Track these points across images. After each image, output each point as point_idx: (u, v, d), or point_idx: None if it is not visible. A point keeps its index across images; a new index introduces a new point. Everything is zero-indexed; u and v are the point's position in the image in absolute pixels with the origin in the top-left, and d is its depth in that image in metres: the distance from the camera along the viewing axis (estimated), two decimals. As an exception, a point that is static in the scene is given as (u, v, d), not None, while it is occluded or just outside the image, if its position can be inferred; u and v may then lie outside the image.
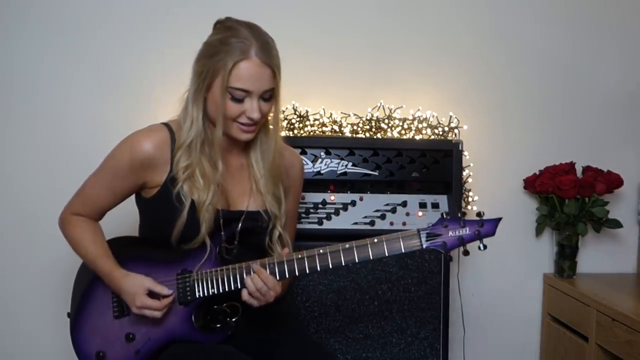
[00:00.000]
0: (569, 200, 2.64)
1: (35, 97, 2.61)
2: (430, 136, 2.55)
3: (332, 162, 2.39)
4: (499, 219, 1.73)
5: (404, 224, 2.36)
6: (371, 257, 1.71)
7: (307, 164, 2.35)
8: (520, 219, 2.80)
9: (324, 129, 2.53)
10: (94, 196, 1.83)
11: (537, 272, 2.83)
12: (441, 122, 2.57)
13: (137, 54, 2.63)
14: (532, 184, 2.72)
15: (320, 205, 2.38)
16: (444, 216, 1.73)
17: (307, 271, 1.73)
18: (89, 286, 1.83)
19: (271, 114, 1.79)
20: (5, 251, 2.65)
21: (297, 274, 1.74)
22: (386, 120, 2.55)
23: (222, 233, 1.77)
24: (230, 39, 1.67)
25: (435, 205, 2.41)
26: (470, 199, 2.62)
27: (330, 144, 2.41)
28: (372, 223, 2.36)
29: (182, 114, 1.79)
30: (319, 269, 1.72)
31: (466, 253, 1.74)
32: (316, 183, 2.38)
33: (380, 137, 2.54)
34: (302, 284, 2.35)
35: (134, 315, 1.76)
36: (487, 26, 2.76)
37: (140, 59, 2.64)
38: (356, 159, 2.40)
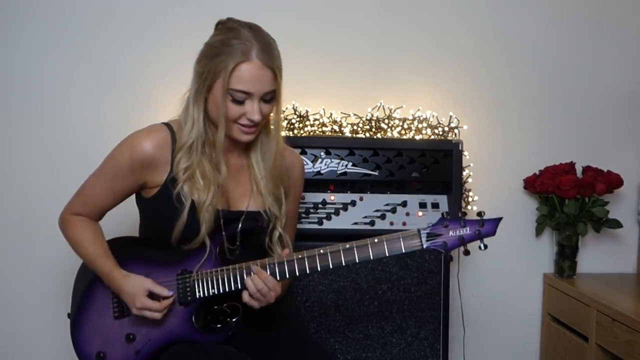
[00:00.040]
0: (569, 200, 2.64)
1: (35, 97, 2.61)
2: (430, 136, 2.54)
3: (332, 162, 2.39)
4: (500, 219, 1.74)
5: (404, 224, 2.36)
6: (371, 257, 1.71)
7: (307, 164, 2.35)
8: (520, 219, 2.80)
9: (324, 129, 2.53)
10: (94, 196, 1.83)
11: (537, 272, 2.83)
12: (441, 122, 2.57)
13: (137, 54, 2.63)
14: (532, 184, 2.72)
15: (320, 205, 2.38)
16: (445, 216, 1.73)
17: (308, 271, 1.73)
18: (89, 286, 1.83)
19: (272, 115, 1.79)
20: (5, 251, 2.64)
21: (297, 274, 1.74)
22: (386, 120, 2.55)
23: (223, 233, 1.77)
24: (232, 40, 1.67)
25: (435, 205, 2.41)
26: (470, 199, 2.62)
27: (330, 144, 2.41)
28: (372, 223, 2.36)
29: (183, 114, 1.79)
30: (319, 269, 1.72)
31: (467, 253, 1.74)
32: (316, 183, 2.38)
33: (380, 137, 2.53)
34: (302, 284, 2.35)
35: (134, 315, 1.76)
36: (487, 26, 2.76)
37: (140, 59, 2.64)
38: (356, 159, 2.40)
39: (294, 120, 2.52)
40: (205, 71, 1.69)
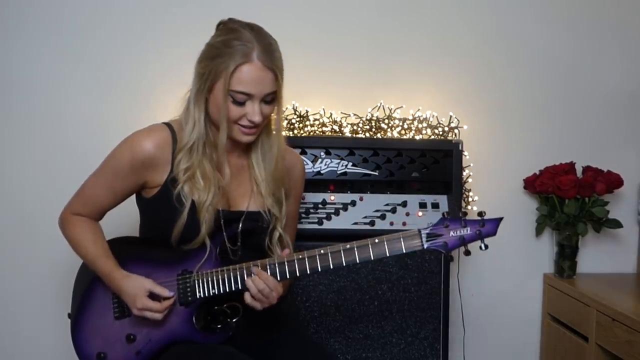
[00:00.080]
0: (569, 200, 2.64)
1: (35, 97, 2.61)
2: (430, 136, 2.54)
3: (332, 162, 2.39)
4: (500, 219, 1.73)
5: (404, 224, 2.36)
6: (372, 258, 1.71)
7: (307, 164, 2.34)
8: (520, 219, 2.80)
9: (324, 129, 2.53)
10: (94, 196, 1.82)
11: (537, 272, 2.83)
12: (441, 122, 2.57)
13: (136, 54, 2.63)
14: (532, 184, 2.72)
15: (320, 205, 2.38)
16: (445, 216, 1.73)
17: (308, 272, 1.73)
18: (89, 286, 1.82)
19: (274, 115, 1.79)
20: (4, 251, 2.64)
21: (297, 274, 1.74)
22: (386, 120, 2.55)
23: (224, 233, 1.77)
24: (233, 41, 1.67)
25: (435, 205, 2.41)
26: (470, 199, 2.62)
27: (330, 144, 2.41)
28: (372, 223, 2.36)
29: (183, 115, 1.78)
30: (319, 269, 1.72)
31: (467, 253, 1.74)
32: (316, 183, 2.38)
33: (380, 137, 2.53)
34: (302, 284, 2.35)
35: (135, 316, 1.76)
36: (487, 26, 2.76)
37: (139, 59, 2.63)
38: (356, 159, 2.40)
39: (294, 120, 2.52)
40: (206, 72, 1.69)
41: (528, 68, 2.78)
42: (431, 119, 2.56)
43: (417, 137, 2.53)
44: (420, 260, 2.38)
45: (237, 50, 1.65)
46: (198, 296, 1.75)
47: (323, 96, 2.62)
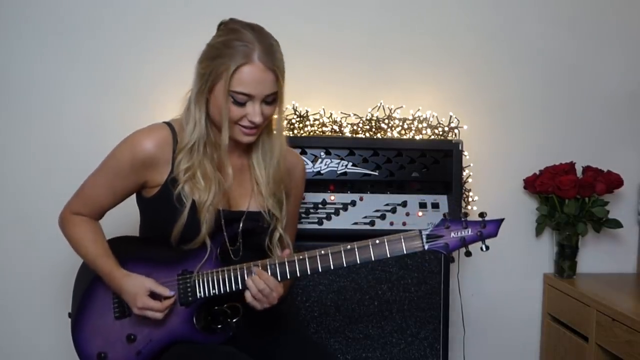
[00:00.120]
0: (569, 200, 2.64)
1: (32, 98, 2.60)
2: (430, 136, 2.54)
3: (332, 162, 2.39)
4: (502, 220, 1.74)
5: (404, 224, 2.36)
6: (373, 259, 1.71)
7: (307, 164, 2.34)
8: (520, 219, 2.80)
9: (324, 129, 2.53)
10: (94, 196, 1.82)
11: (537, 272, 2.83)
12: (441, 122, 2.57)
13: (134, 54, 2.62)
14: (532, 184, 2.72)
15: (320, 205, 2.38)
16: (446, 217, 1.73)
17: (309, 272, 1.73)
18: (89, 286, 1.82)
19: (276, 116, 1.79)
20: (2, 251, 2.63)
21: (298, 274, 1.74)
22: (386, 120, 2.55)
23: (225, 233, 1.77)
24: (234, 42, 1.66)
25: (435, 205, 2.41)
26: (470, 199, 2.62)
27: (330, 144, 2.40)
28: (372, 223, 2.36)
29: (184, 115, 1.78)
30: (320, 269, 1.72)
31: (468, 254, 1.74)
32: (316, 183, 2.38)
33: (380, 137, 2.53)
34: (302, 284, 2.35)
35: (135, 316, 1.76)
36: (488, 26, 2.75)
37: (136, 59, 2.63)
38: (356, 159, 2.40)
39: (294, 120, 2.52)
40: (207, 72, 1.69)
41: (529, 68, 2.78)
42: (431, 119, 2.56)
43: (417, 137, 2.53)
44: (420, 260, 2.38)
45: (238, 51, 1.65)
46: (198, 296, 1.75)
47: (323, 96, 2.62)
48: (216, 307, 1.79)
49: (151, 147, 1.74)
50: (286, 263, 1.73)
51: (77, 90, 2.62)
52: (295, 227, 2.06)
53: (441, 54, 2.73)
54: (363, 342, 2.38)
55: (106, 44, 2.62)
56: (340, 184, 2.42)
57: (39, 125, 2.61)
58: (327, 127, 2.53)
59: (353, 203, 2.39)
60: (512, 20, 2.76)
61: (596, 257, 2.84)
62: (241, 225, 1.79)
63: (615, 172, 2.67)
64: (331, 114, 2.55)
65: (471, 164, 2.61)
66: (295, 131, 2.51)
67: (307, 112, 2.53)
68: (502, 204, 2.72)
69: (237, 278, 1.73)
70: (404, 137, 2.53)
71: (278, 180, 1.84)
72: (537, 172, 2.73)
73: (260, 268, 1.72)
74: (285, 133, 1.86)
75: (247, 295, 1.71)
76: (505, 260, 2.78)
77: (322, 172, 2.38)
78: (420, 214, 2.38)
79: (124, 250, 1.83)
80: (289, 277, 1.73)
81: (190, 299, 1.75)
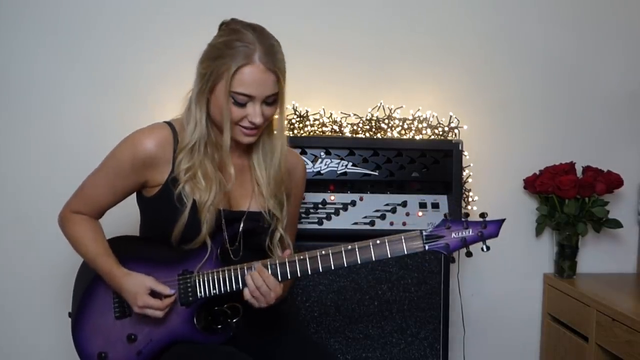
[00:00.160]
0: (569, 200, 2.64)
1: (30, 98, 2.60)
2: (430, 136, 2.54)
3: (332, 162, 2.39)
4: (502, 220, 1.74)
5: (404, 224, 2.36)
6: (373, 259, 1.71)
7: (307, 164, 2.34)
8: (520, 219, 2.80)
9: (324, 129, 2.53)
10: (95, 194, 1.82)
11: (537, 272, 2.83)
12: (441, 122, 2.57)
13: (133, 53, 2.62)
14: (532, 184, 2.72)
15: (320, 205, 2.38)
16: (447, 217, 1.73)
17: (309, 272, 1.73)
18: (90, 285, 1.82)
19: (276, 116, 1.79)
20: (1, 251, 2.63)
21: (298, 275, 1.73)
22: (386, 120, 2.55)
23: (225, 233, 1.76)
24: (235, 42, 1.66)
25: (435, 205, 2.41)
26: (470, 199, 2.62)
27: (330, 144, 2.40)
28: (372, 223, 2.36)
29: (185, 115, 1.78)
30: (321, 270, 1.72)
31: (469, 254, 1.74)
32: (316, 183, 2.38)
33: (380, 137, 2.53)
34: (302, 284, 2.35)
35: (136, 316, 1.76)
36: (489, 26, 2.75)
37: (135, 59, 2.62)
38: (356, 159, 2.40)
39: (294, 120, 2.52)
40: (208, 72, 1.69)
41: (529, 68, 2.78)
42: (431, 119, 2.56)
43: (417, 137, 2.53)
44: (420, 260, 2.38)
45: (239, 52, 1.65)
46: (199, 296, 1.75)
47: (323, 96, 2.62)
48: (216, 308, 1.79)
49: (152, 147, 1.74)
50: (287, 263, 1.73)
51: (77, 90, 2.61)
52: (296, 227, 2.06)
53: (441, 54, 2.73)
54: (363, 342, 2.38)
55: (105, 43, 2.61)
56: (340, 184, 2.42)
57: (39, 125, 2.60)
58: (327, 127, 2.53)
59: (353, 203, 2.39)
60: (512, 20, 2.76)
61: (596, 257, 2.84)
62: (242, 225, 1.79)
63: (615, 172, 2.67)
64: (331, 114, 2.55)
65: (471, 164, 2.61)
66: (295, 131, 2.51)
67: (307, 112, 2.53)
68: (502, 204, 2.72)
69: (238, 278, 1.73)
70: (404, 137, 2.53)
71: (279, 181, 1.84)
72: (537, 172, 2.73)
73: (261, 266, 1.72)
74: (286, 133, 1.86)
75: (245, 292, 1.71)
76: (505, 260, 2.78)
77: (322, 172, 2.38)
78: (420, 214, 2.38)
79: (125, 249, 1.82)
80: (289, 277, 1.73)
81: (190, 298, 1.75)
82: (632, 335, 2.18)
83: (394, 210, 2.39)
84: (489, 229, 1.72)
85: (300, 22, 2.65)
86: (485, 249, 1.73)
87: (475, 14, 2.74)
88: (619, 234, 2.82)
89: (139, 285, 1.73)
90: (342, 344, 2.37)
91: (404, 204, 2.39)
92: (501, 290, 2.82)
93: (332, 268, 1.72)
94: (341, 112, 2.58)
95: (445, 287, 2.38)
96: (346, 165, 2.39)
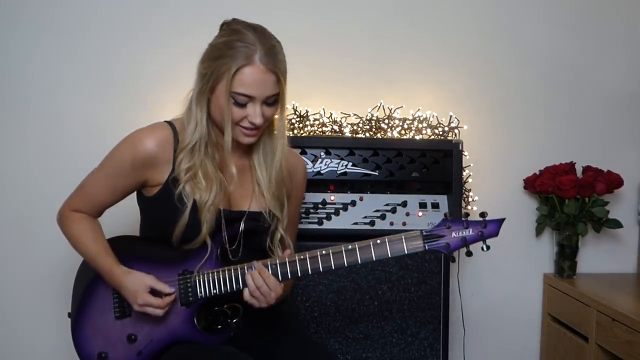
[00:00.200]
0: (569, 200, 2.64)
1: (29, 98, 2.60)
2: (430, 136, 2.54)
3: (332, 162, 2.39)
4: (503, 220, 1.74)
5: (404, 224, 2.36)
6: (374, 259, 1.71)
7: (307, 164, 2.34)
8: (520, 219, 2.80)
9: (324, 129, 2.53)
10: (94, 193, 1.82)
11: (537, 272, 2.83)
12: (441, 122, 2.57)
13: (132, 53, 2.62)
14: (532, 184, 2.72)
15: (320, 205, 2.38)
16: (447, 217, 1.73)
17: (309, 272, 1.73)
18: (90, 284, 1.81)
19: (277, 117, 1.79)
20: (1, 251, 2.63)
21: (299, 275, 1.73)
22: (386, 120, 2.55)
23: (225, 233, 1.76)
24: (235, 43, 1.66)
25: (435, 205, 2.41)
26: (470, 199, 2.61)
27: (330, 144, 2.40)
28: (372, 223, 2.36)
29: (185, 114, 1.78)
30: (321, 269, 1.72)
31: (469, 254, 1.74)
32: (316, 183, 2.38)
33: (380, 137, 2.53)
34: (302, 284, 2.35)
35: (136, 316, 1.76)
36: (489, 25, 2.75)
37: (134, 59, 2.62)
38: (356, 159, 2.40)
39: (294, 120, 2.52)
40: (209, 73, 1.69)
41: (529, 68, 2.78)
42: (431, 119, 2.56)
43: (417, 137, 2.53)
44: (420, 260, 2.38)
45: (240, 52, 1.65)
46: (199, 296, 1.75)
47: (323, 96, 2.62)
48: (216, 308, 1.79)
49: (152, 146, 1.74)
50: (287, 263, 1.72)
51: (76, 90, 2.61)
52: (296, 227, 2.06)
53: (441, 54, 2.73)
54: (363, 342, 2.38)
55: (104, 43, 2.61)
56: (340, 184, 2.42)
57: (37, 125, 2.60)
58: (327, 127, 2.53)
59: (353, 203, 2.39)
60: (513, 19, 2.76)
61: (596, 257, 2.84)
62: (242, 225, 1.78)
63: (615, 172, 2.67)
64: (331, 114, 2.55)
65: (471, 164, 2.61)
66: (295, 131, 2.51)
67: (307, 112, 2.53)
68: (502, 204, 2.72)
69: (238, 278, 1.73)
70: (404, 137, 2.53)
71: (279, 182, 1.83)
72: (537, 172, 2.73)
73: (261, 266, 1.72)
74: (286, 134, 1.85)
75: (246, 292, 1.71)
76: (505, 260, 2.78)
77: (322, 172, 2.38)
78: (420, 214, 2.38)
79: (125, 249, 1.82)
80: (289, 277, 1.73)
81: (190, 298, 1.75)
82: (632, 335, 2.18)
83: (394, 210, 2.39)
84: (489, 228, 1.72)
85: (301, 22, 2.65)
86: (485, 249, 1.73)
87: (475, 14, 2.74)
88: (619, 234, 2.82)
89: (139, 284, 1.72)
90: (342, 344, 2.37)
91: (404, 204, 2.39)
92: (501, 290, 2.82)
93: (333, 268, 1.71)
94: (341, 112, 2.58)
95: (445, 287, 2.38)
96: (346, 165, 2.39)
